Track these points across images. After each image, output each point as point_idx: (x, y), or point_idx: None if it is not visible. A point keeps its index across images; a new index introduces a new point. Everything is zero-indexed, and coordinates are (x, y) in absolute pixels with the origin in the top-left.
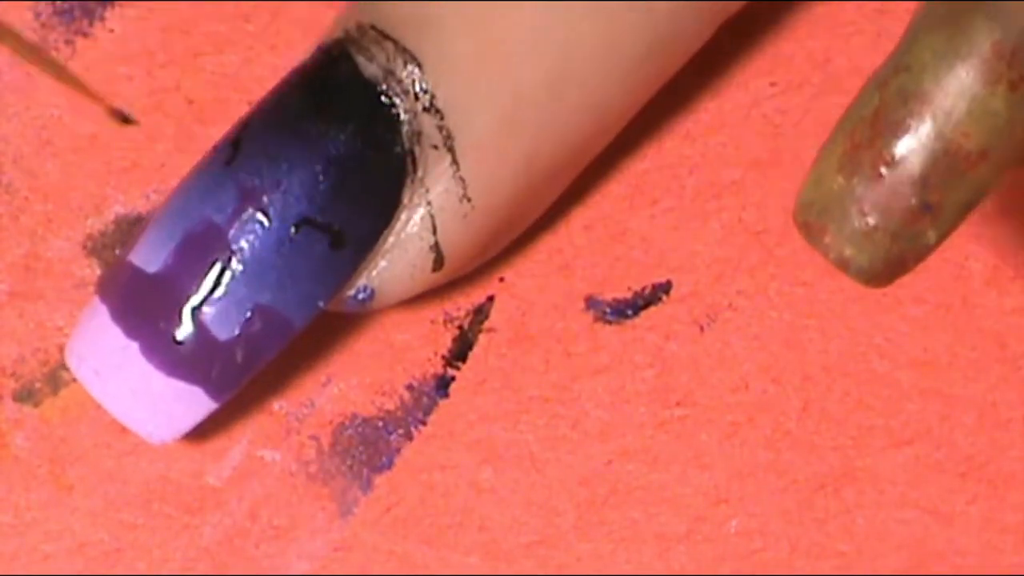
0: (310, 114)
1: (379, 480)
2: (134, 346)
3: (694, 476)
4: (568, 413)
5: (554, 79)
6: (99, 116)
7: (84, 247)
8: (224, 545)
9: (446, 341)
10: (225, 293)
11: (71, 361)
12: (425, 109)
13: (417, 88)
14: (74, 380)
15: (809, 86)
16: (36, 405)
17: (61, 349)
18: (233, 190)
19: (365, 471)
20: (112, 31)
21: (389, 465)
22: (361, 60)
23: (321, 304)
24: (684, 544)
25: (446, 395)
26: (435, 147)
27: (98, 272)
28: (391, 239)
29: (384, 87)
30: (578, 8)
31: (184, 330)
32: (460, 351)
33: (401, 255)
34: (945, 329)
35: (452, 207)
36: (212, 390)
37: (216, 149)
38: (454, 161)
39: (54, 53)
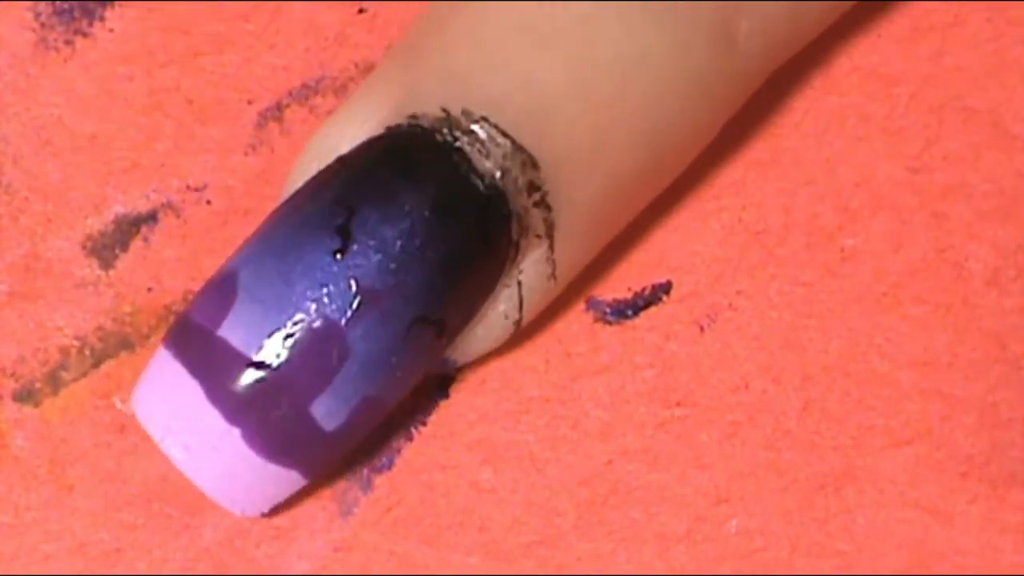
0: (427, 213)
1: (379, 480)
2: (236, 432)
3: (694, 476)
4: (568, 413)
5: (649, 167)
6: (99, 116)
7: (84, 247)
8: (224, 545)
9: None
10: (338, 390)
11: (153, 430)
12: (535, 205)
13: (531, 186)
14: (74, 380)
15: (809, 86)
16: (36, 405)
17: (61, 349)
18: (350, 288)
19: (365, 471)
20: (112, 31)
21: (389, 465)
22: (473, 152)
23: (413, 384)
24: (684, 544)
25: (446, 395)
26: (538, 236)
27: (98, 272)
28: (478, 315)
29: (500, 186)
30: (678, 98)
31: (293, 423)
32: None
33: (487, 331)
34: (945, 329)
35: (541, 287)
36: (309, 472)
37: (318, 230)
38: (551, 247)
39: (54, 54)
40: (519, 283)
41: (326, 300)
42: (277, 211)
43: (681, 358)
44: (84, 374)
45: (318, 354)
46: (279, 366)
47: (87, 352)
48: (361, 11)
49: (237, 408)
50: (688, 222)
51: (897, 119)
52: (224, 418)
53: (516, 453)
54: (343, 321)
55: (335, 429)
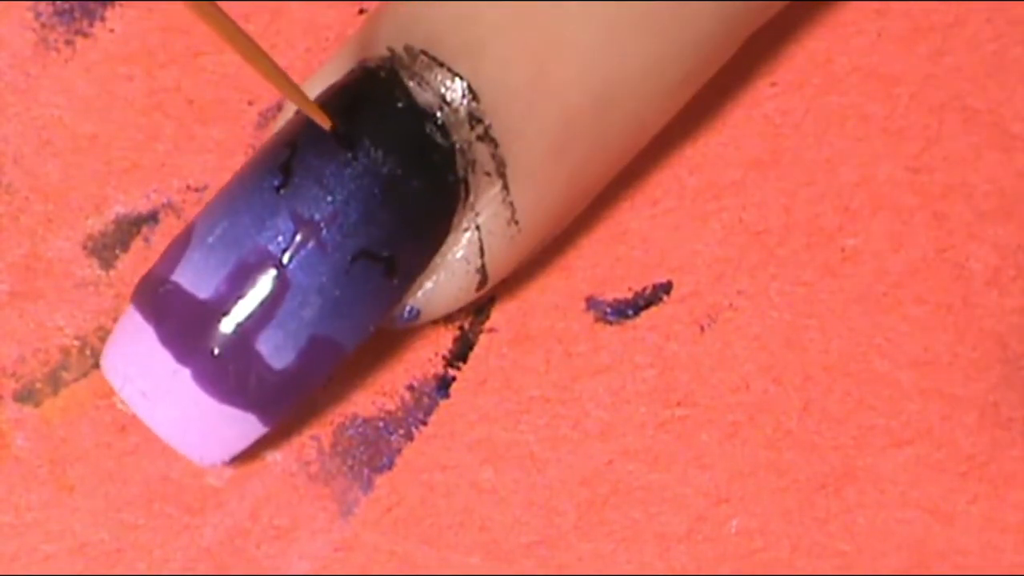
0: (364, 142)
1: (380, 480)
2: (186, 372)
3: (695, 476)
4: (569, 413)
5: (601, 103)
6: (99, 116)
7: (84, 247)
8: (225, 545)
9: (447, 341)
10: (282, 324)
11: (114, 380)
12: (479, 138)
13: (472, 117)
14: (74, 380)
15: (809, 86)
16: (37, 405)
17: (62, 349)
18: (289, 220)
19: (366, 471)
20: (112, 31)
21: (390, 465)
22: (413, 86)
23: (372, 328)
24: (685, 544)
25: (447, 395)
26: (487, 174)
27: (99, 272)
28: (438, 261)
29: (439, 116)
30: (626, 31)
31: (240, 360)
32: (461, 351)
33: (448, 277)
34: (946, 329)
35: (500, 230)
36: (264, 416)
37: (263, 170)
38: (505, 187)
39: (54, 54)
40: (477, 227)
41: (266, 234)
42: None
43: (682, 358)
44: (85, 374)
45: (257, 287)
46: (219, 300)
47: (88, 352)
48: (361, 11)
49: (185, 347)
50: (688, 222)
51: (897, 119)
52: (174, 358)
53: (516, 453)
54: (282, 254)
55: (285, 367)
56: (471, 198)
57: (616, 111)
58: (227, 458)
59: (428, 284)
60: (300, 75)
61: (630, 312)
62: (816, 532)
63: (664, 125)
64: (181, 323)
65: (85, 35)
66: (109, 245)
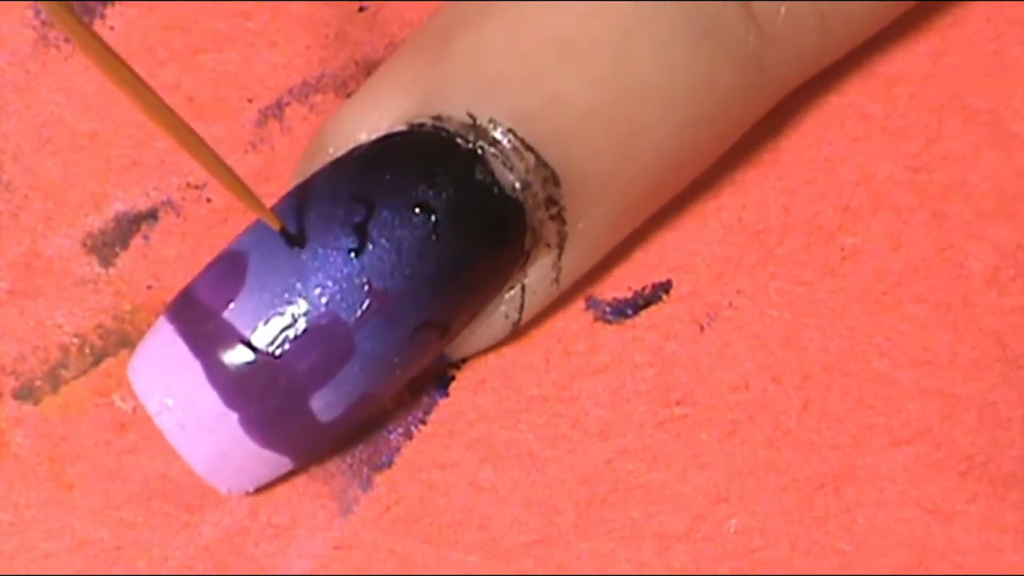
0: (445, 220)
1: (379, 479)
2: (233, 417)
3: (694, 475)
4: (568, 412)
5: (659, 182)
6: (99, 114)
7: (84, 245)
8: (224, 543)
9: None
10: (338, 385)
11: (149, 403)
12: (551, 218)
13: (549, 201)
14: (74, 378)
15: (809, 85)
16: (36, 403)
17: (61, 347)
18: (363, 289)
19: (365, 470)
20: (112, 28)
21: (389, 464)
22: (497, 165)
23: (407, 379)
24: (684, 543)
25: (446, 394)
26: (548, 246)
27: (98, 270)
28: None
29: (520, 198)
30: (702, 120)
31: (291, 414)
32: None
33: (486, 331)
34: (945, 328)
35: (543, 291)
36: (298, 459)
37: (336, 226)
38: (559, 255)
39: (54, 51)
40: (523, 287)
41: (337, 298)
42: (291, 195)
43: (681, 357)
44: (84, 372)
45: (323, 350)
46: (282, 356)
47: (87, 350)
48: (361, 9)
49: (237, 393)
50: (688, 221)
51: (897, 118)
52: (223, 401)
53: (516, 452)
54: (352, 320)
55: (330, 421)
56: (527, 265)
57: (669, 185)
58: (251, 489)
59: (465, 334)
60: (300, 73)
61: (629, 311)
62: (815, 531)
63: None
64: (235, 369)
65: None
66: (109, 243)
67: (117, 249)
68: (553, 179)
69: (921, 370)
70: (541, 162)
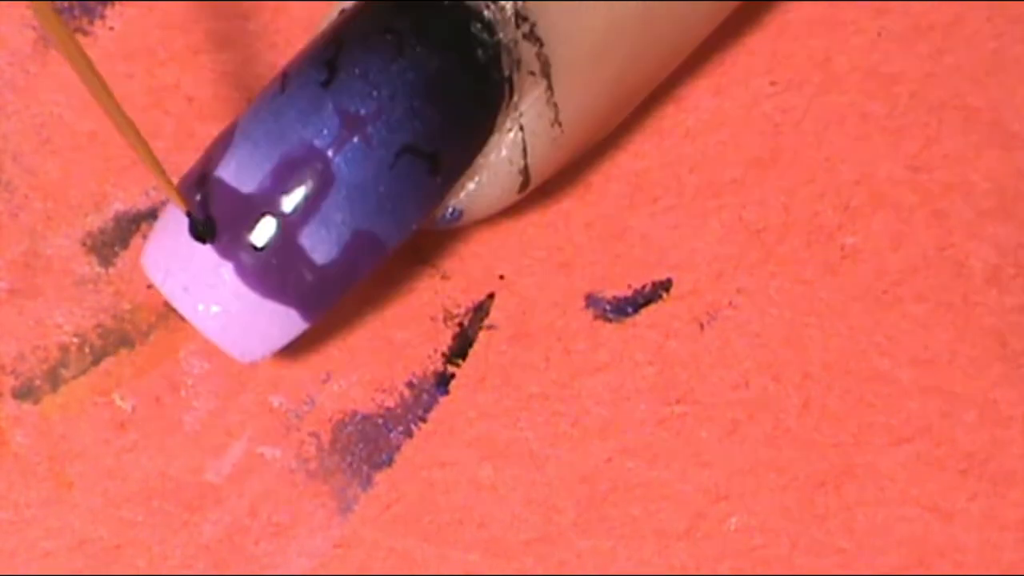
0: (410, 39)
1: (379, 477)
2: (228, 266)
3: (694, 473)
4: (568, 410)
5: (644, 10)
6: (98, 114)
7: (84, 244)
8: (224, 542)
9: (446, 338)
10: (326, 219)
11: (154, 275)
12: (525, 36)
13: (518, 16)
14: (74, 377)
15: (809, 85)
16: (36, 402)
17: (61, 346)
18: (334, 115)
19: (365, 468)
20: (112, 29)
21: (389, 462)
22: None
23: (414, 227)
24: (684, 541)
25: (446, 392)
26: (532, 73)
27: (98, 269)
28: (481, 161)
29: (485, 14)
30: None
31: (283, 254)
32: (460, 348)
33: (491, 178)
34: (945, 327)
35: (544, 131)
36: (306, 312)
37: (308, 66)
38: (549, 87)
39: (54, 51)
40: (521, 127)
41: (311, 129)
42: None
43: (681, 356)
44: (84, 371)
45: (303, 181)
46: (267, 195)
47: (87, 349)
48: None
49: (228, 242)
50: (688, 220)
51: (897, 118)
52: (218, 253)
53: (516, 450)
54: (326, 147)
55: (327, 263)
56: (515, 98)
57: (661, 16)
58: (267, 354)
59: (471, 185)
60: None
61: (630, 309)
62: (815, 529)
63: (706, 36)
64: (225, 217)
65: (85, 33)
66: (108, 242)
67: (117, 249)
68: None
69: (921, 368)
70: None
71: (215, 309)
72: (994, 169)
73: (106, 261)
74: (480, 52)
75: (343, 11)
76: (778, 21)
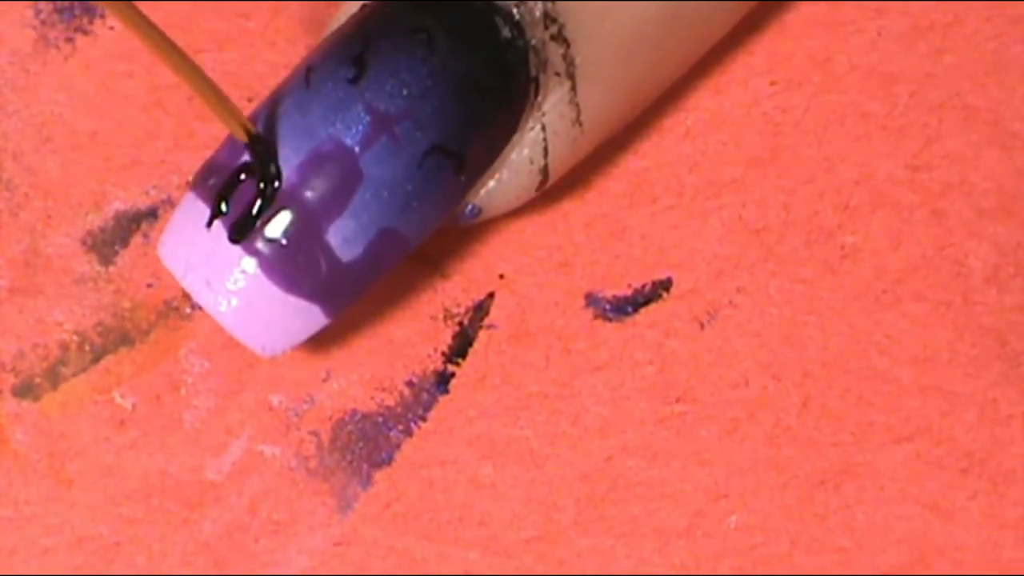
0: (441, 39)
1: (379, 476)
2: (252, 261)
3: (694, 472)
4: (568, 409)
5: (670, 13)
6: (99, 113)
7: (84, 243)
8: (223, 540)
9: (446, 337)
10: (352, 215)
11: (174, 267)
12: (553, 38)
13: (547, 17)
14: (73, 375)
15: (809, 84)
16: (36, 400)
17: (61, 344)
18: (364, 113)
19: (365, 467)
20: (112, 28)
21: (389, 461)
22: None
23: (436, 224)
24: (684, 540)
25: (446, 391)
26: (557, 74)
27: (98, 268)
28: (502, 159)
29: (515, 14)
30: None
31: (308, 250)
32: (460, 347)
33: (511, 176)
34: (945, 326)
35: (564, 131)
36: (328, 307)
37: (335, 61)
38: (573, 88)
39: (54, 51)
40: (543, 126)
41: (339, 126)
42: (301, 60)
43: (681, 355)
44: (84, 369)
45: (330, 178)
46: (293, 191)
47: (87, 347)
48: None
49: (253, 236)
50: (688, 219)
51: (897, 117)
52: (241, 247)
53: (516, 449)
54: (356, 145)
55: (352, 260)
56: (540, 98)
57: (687, 16)
58: (288, 348)
59: (491, 183)
60: None
61: (629, 309)
62: (815, 528)
63: (725, 35)
64: (248, 212)
65: (85, 32)
66: (108, 241)
67: (117, 247)
68: None
69: (921, 368)
70: None
71: (237, 303)
72: (994, 169)
73: (106, 260)
74: (509, 53)
75: (365, 5)
76: (778, 21)
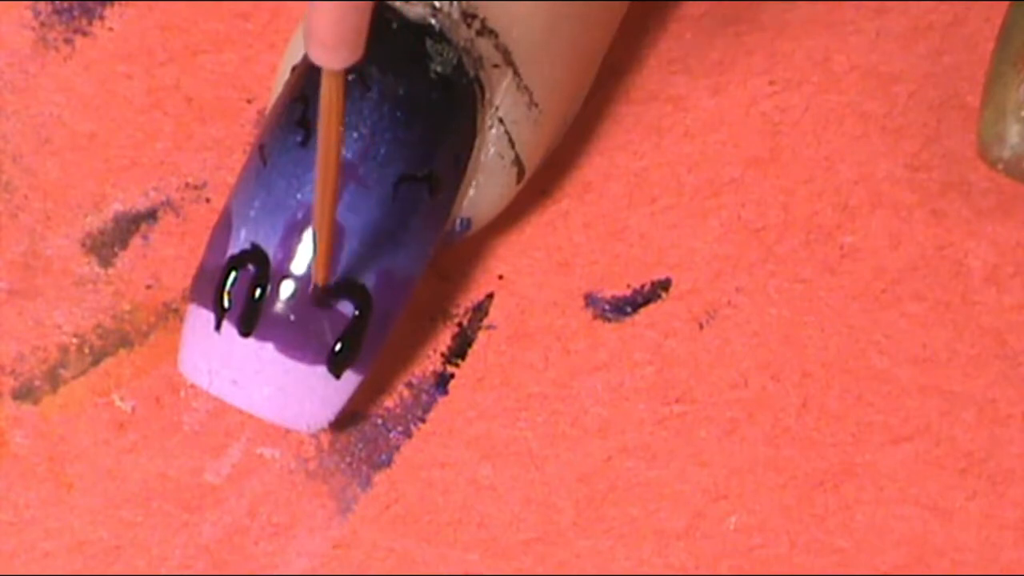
0: (372, 72)
1: (378, 477)
2: (268, 347)
3: (693, 473)
4: (567, 410)
5: None
6: (98, 114)
7: (83, 245)
8: (223, 542)
9: (445, 339)
10: (347, 271)
11: (199, 380)
12: (478, 33)
13: (466, 15)
14: (73, 378)
15: (808, 84)
16: (35, 403)
17: (60, 347)
18: None
19: (364, 468)
20: (111, 29)
21: (388, 462)
22: (400, 4)
23: (431, 251)
24: (683, 540)
25: (445, 392)
26: (496, 66)
27: (97, 270)
28: (474, 166)
29: (434, 24)
30: None
31: (316, 318)
32: (459, 348)
33: (489, 178)
34: (944, 326)
35: (523, 116)
36: (357, 365)
37: (281, 131)
38: (516, 73)
39: (53, 52)
40: (500, 119)
41: (306, 190)
42: (254, 140)
43: (680, 355)
44: (83, 372)
45: (313, 242)
46: (281, 266)
47: (86, 350)
48: None
49: (261, 323)
50: (687, 219)
51: (896, 117)
52: (255, 338)
53: (515, 450)
54: None
55: (360, 312)
56: (487, 94)
57: None
58: (332, 418)
59: (471, 191)
60: None
61: (629, 309)
62: (814, 528)
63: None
64: (249, 301)
65: (84, 34)
66: (108, 243)
67: (116, 249)
68: None
69: (920, 367)
70: None
71: (269, 391)
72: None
73: (105, 262)
74: (441, 63)
75: (294, 68)
76: (777, 21)
